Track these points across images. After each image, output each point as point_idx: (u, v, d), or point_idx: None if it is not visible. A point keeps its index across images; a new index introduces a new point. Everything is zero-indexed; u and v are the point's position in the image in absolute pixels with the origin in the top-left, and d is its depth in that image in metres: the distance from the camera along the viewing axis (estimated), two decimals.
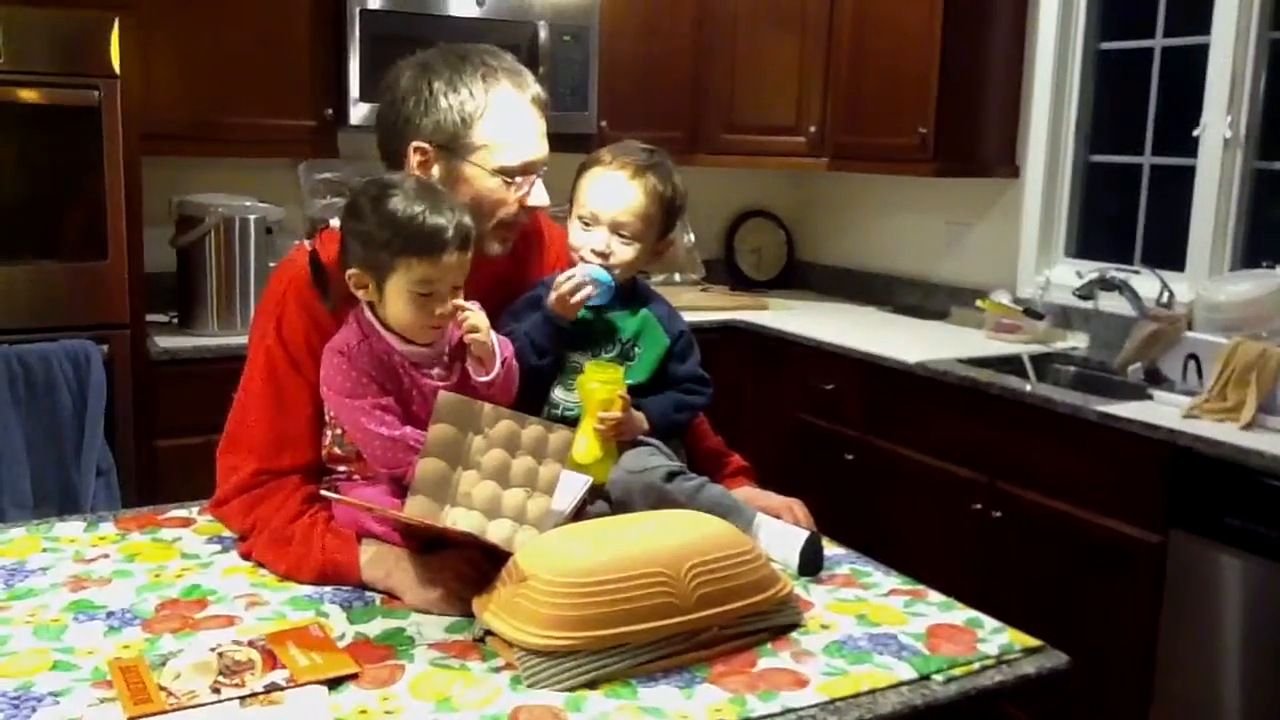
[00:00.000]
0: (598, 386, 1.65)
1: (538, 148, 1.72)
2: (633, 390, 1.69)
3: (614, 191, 1.75)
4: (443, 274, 1.50)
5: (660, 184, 1.76)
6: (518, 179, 1.71)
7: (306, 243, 1.55)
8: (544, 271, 1.89)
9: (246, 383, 1.68)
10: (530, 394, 1.71)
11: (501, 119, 1.68)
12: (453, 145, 1.68)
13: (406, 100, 1.69)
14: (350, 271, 1.53)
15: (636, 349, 1.76)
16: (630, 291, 1.81)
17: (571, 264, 1.80)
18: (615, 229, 1.74)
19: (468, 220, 1.53)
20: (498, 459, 1.48)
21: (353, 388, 1.52)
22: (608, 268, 1.74)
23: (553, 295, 1.72)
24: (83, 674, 1.26)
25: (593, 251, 1.75)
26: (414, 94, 1.68)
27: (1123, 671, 2.64)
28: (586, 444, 1.64)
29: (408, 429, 1.52)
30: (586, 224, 1.76)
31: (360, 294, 1.54)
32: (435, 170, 1.69)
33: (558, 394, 1.75)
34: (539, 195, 1.74)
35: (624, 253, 1.75)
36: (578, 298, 1.70)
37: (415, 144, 1.69)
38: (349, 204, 1.54)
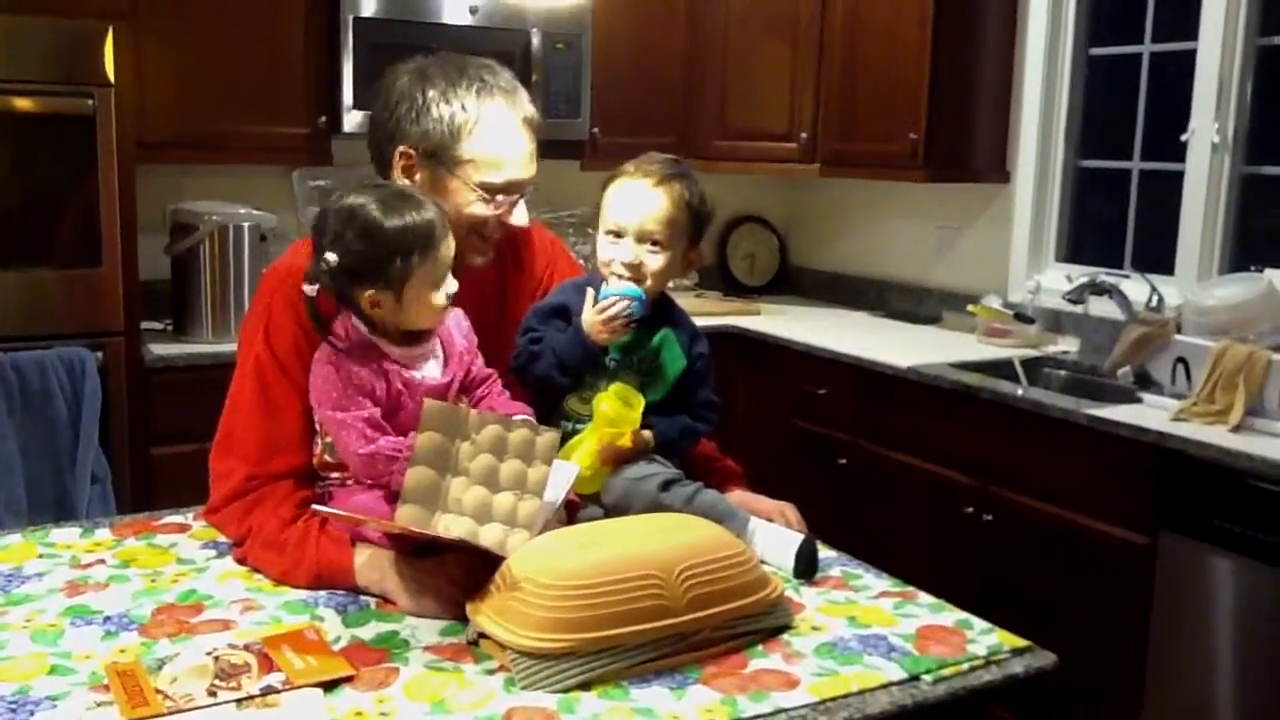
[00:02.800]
0: (607, 408, 1.65)
1: (523, 169, 1.72)
2: (646, 408, 1.70)
3: (640, 200, 1.71)
4: (449, 256, 1.56)
5: (686, 191, 1.73)
6: (499, 197, 1.70)
7: (307, 288, 1.55)
8: (532, 279, 1.89)
9: (236, 388, 1.69)
10: (542, 402, 1.73)
11: (490, 136, 1.69)
12: (439, 155, 1.69)
13: (400, 105, 1.70)
14: (366, 294, 1.54)
15: (655, 367, 1.75)
16: (655, 308, 1.77)
17: (572, 270, 1.81)
18: (643, 239, 1.70)
19: (436, 204, 1.58)
20: (486, 464, 1.48)
21: (338, 399, 1.53)
22: (638, 280, 1.70)
23: (590, 319, 1.68)
24: (80, 678, 1.27)
25: (623, 264, 1.70)
26: (407, 100, 1.70)
27: (1114, 674, 2.66)
28: (584, 454, 1.65)
29: (383, 441, 1.53)
30: (614, 237, 1.72)
31: (376, 313, 1.55)
32: (418, 177, 1.70)
33: (573, 404, 1.75)
34: (520, 215, 1.73)
35: (654, 262, 1.71)
36: (618, 321, 1.68)
37: (402, 148, 1.70)
38: (335, 243, 1.52)
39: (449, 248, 1.56)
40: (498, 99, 1.70)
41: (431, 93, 1.69)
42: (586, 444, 1.66)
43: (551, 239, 1.99)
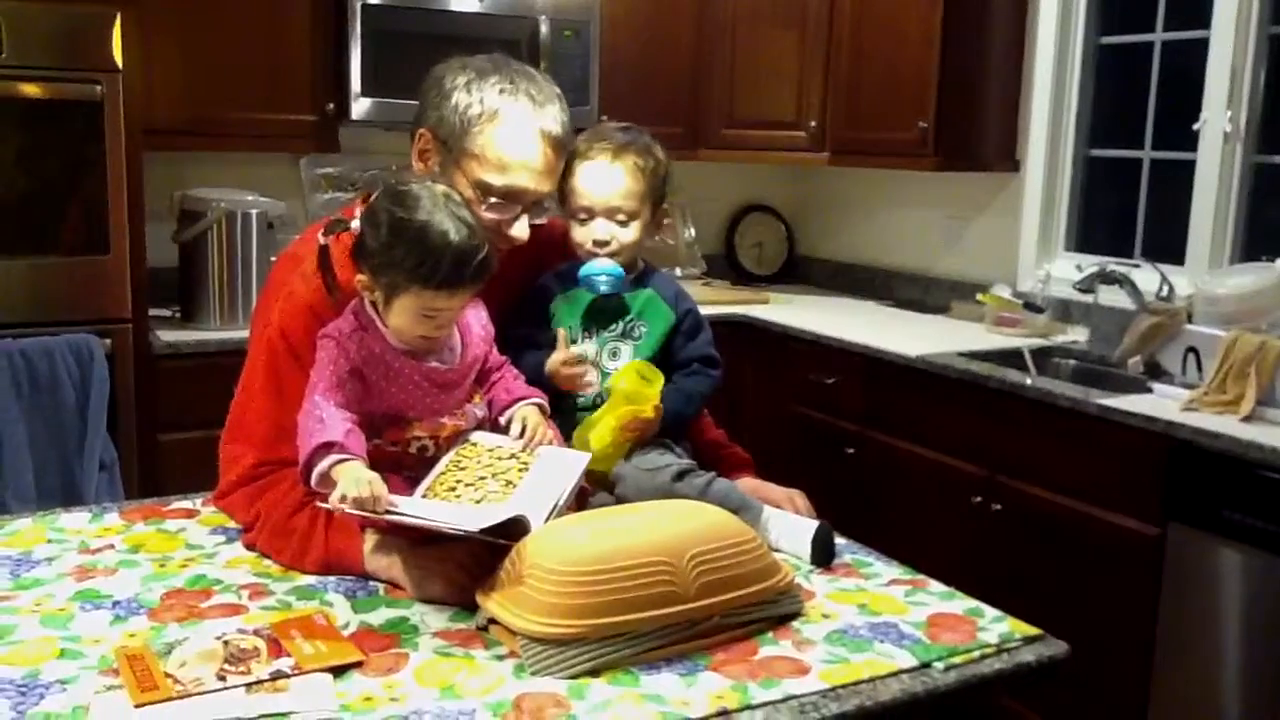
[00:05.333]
0: (625, 385, 1.66)
1: (531, 179, 1.67)
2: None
3: (600, 179, 1.75)
4: (452, 304, 1.51)
5: (640, 159, 1.77)
6: (495, 200, 1.66)
7: (321, 238, 1.54)
8: (546, 265, 1.89)
9: (248, 374, 1.69)
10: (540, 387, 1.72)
11: (499, 135, 1.65)
12: (449, 143, 1.67)
13: (432, 88, 1.70)
14: (360, 277, 1.53)
15: (641, 327, 1.78)
16: (635, 272, 1.82)
17: (572, 255, 1.80)
18: (611, 215, 1.76)
19: (486, 253, 1.49)
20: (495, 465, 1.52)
21: (332, 374, 1.51)
22: (613, 255, 1.76)
23: (555, 367, 1.71)
24: (89, 662, 1.27)
25: (595, 242, 1.76)
26: (438, 85, 1.70)
27: (1122, 664, 2.65)
28: (603, 431, 1.65)
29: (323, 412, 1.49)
30: (583, 219, 1.77)
31: (366, 294, 1.55)
32: (432, 162, 1.69)
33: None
34: (519, 228, 1.69)
35: (625, 235, 1.77)
36: (579, 381, 1.72)
37: (421, 130, 1.70)
38: (370, 211, 1.51)
39: (456, 299, 1.50)
40: (520, 101, 1.66)
41: (460, 79, 1.68)
42: (605, 421, 1.66)
43: (564, 224, 1.98)
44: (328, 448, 1.45)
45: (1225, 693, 2.48)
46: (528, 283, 1.84)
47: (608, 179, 1.75)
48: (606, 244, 1.76)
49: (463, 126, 1.66)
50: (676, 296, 1.83)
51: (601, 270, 1.74)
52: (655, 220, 1.82)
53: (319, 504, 1.49)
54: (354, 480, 1.39)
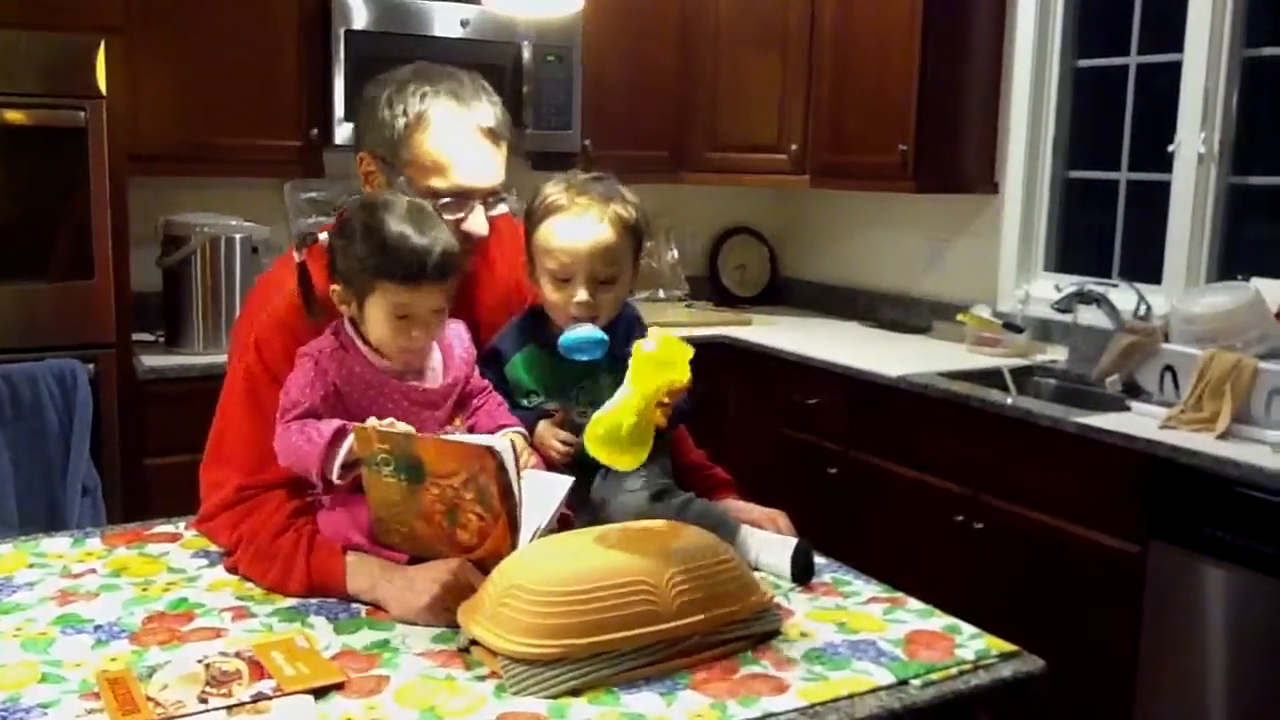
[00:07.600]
0: (656, 349, 1.43)
1: (474, 175, 1.66)
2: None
3: (583, 239, 1.63)
4: (421, 300, 1.52)
5: (623, 210, 1.67)
6: (446, 200, 1.65)
7: (296, 254, 1.56)
8: (497, 275, 1.84)
9: (226, 398, 1.69)
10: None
11: (432, 139, 1.65)
12: (388, 159, 1.67)
13: (361, 111, 1.71)
14: (333, 287, 1.55)
15: (605, 377, 1.70)
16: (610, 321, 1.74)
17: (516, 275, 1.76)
18: (593, 278, 1.64)
19: (452, 248, 1.52)
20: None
21: (305, 402, 1.53)
22: (594, 318, 1.65)
23: (546, 438, 1.66)
24: (71, 686, 1.28)
25: (578, 306, 1.64)
26: (366, 105, 1.70)
27: (1104, 682, 2.66)
28: (635, 420, 1.42)
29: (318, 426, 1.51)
30: (563, 279, 1.64)
31: (343, 309, 1.56)
32: (378, 182, 1.70)
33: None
34: (475, 222, 1.67)
35: (608, 296, 1.67)
36: (559, 455, 1.67)
37: (361, 154, 1.71)
38: (340, 220, 1.55)
39: (428, 292, 1.51)
40: (444, 101, 1.66)
41: (384, 95, 1.68)
42: (630, 407, 1.41)
43: (518, 230, 1.86)
44: (341, 434, 1.47)
45: (1208, 709, 2.49)
46: (466, 284, 1.76)
47: (591, 239, 1.63)
48: (590, 307, 1.64)
49: (396, 140, 1.66)
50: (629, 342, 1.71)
51: (584, 339, 1.62)
52: (636, 272, 1.73)
53: (342, 466, 1.49)
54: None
